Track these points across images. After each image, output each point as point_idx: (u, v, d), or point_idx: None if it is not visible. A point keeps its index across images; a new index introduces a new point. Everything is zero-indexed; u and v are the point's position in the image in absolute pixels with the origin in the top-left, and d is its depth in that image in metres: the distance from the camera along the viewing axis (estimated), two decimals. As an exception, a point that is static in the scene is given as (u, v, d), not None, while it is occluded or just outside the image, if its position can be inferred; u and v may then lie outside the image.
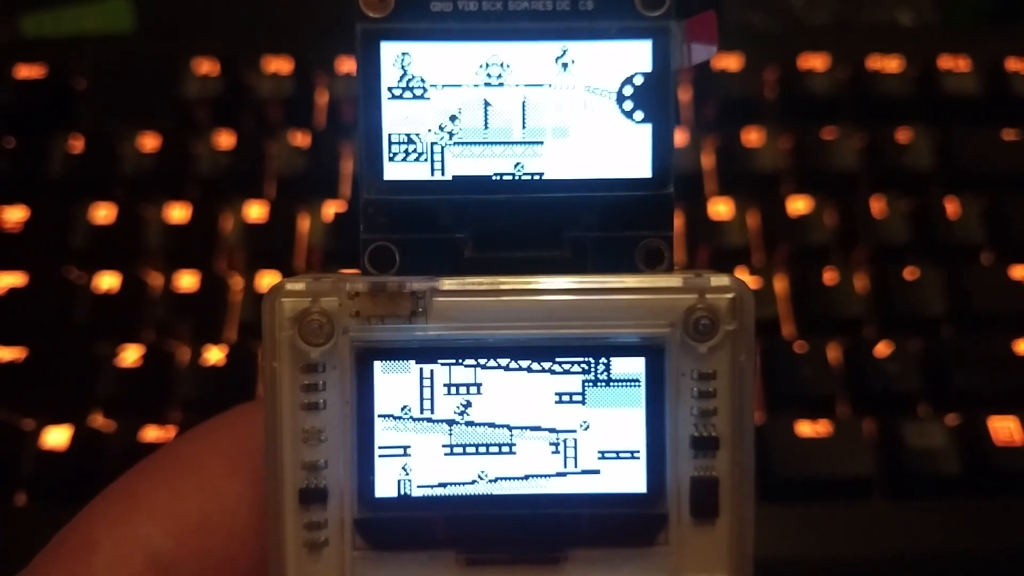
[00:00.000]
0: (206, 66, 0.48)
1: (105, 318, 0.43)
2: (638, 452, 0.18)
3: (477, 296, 0.18)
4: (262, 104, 0.48)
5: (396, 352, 0.18)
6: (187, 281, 0.43)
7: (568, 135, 0.19)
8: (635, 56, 0.18)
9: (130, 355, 0.42)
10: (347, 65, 0.48)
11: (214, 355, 0.42)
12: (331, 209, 0.45)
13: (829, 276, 0.43)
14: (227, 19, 0.59)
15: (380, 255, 0.18)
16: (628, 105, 0.19)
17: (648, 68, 0.18)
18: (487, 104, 0.19)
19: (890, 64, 0.49)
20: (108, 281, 0.43)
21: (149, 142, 0.46)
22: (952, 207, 0.45)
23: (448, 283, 0.18)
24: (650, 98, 0.18)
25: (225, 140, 0.46)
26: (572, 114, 0.19)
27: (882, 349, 0.42)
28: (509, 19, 0.18)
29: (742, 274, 0.43)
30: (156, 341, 0.43)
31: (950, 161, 0.47)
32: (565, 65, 0.19)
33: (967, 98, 0.48)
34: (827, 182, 0.46)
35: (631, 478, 0.19)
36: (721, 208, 0.45)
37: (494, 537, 0.18)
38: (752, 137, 0.47)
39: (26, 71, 0.48)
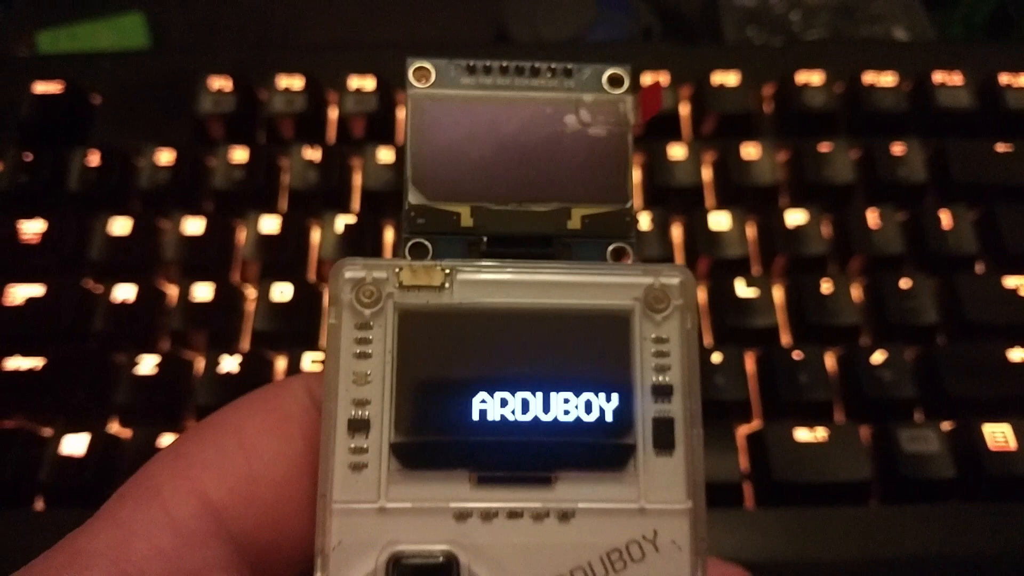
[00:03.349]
0: (220, 82, 0.49)
1: (122, 328, 0.44)
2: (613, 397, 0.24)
3: (491, 274, 0.23)
4: (275, 119, 0.49)
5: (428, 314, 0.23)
6: (202, 292, 0.44)
7: (555, 169, 0.25)
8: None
9: (146, 364, 0.43)
10: (356, 82, 0.49)
11: (228, 364, 0.42)
12: (342, 222, 0.46)
13: (825, 286, 0.44)
14: (240, 36, 0.61)
15: (418, 249, 0.24)
16: (597, 149, 0.25)
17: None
18: None
19: (885, 79, 0.49)
20: (125, 292, 0.44)
21: (164, 156, 0.47)
22: (946, 218, 0.46)
23: (470, 265, 0.23)
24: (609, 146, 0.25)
25: (239, 154, 0.47)
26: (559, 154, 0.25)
27: (877, 357, 0.43)
28: (515, 89, 0.25)
29: (741, 284, 0.44)
30: (172, 350, 0.44)
31: (944, 173, 0.47)
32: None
33: (960, 111, 0.49)
34: (823, 194, 0.47)
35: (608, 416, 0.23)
36: (720, 220, 0.46)
37: (499, 460, 0.22)
38: (750, 151, 0.48)
39: (43, 87, 0.49)
